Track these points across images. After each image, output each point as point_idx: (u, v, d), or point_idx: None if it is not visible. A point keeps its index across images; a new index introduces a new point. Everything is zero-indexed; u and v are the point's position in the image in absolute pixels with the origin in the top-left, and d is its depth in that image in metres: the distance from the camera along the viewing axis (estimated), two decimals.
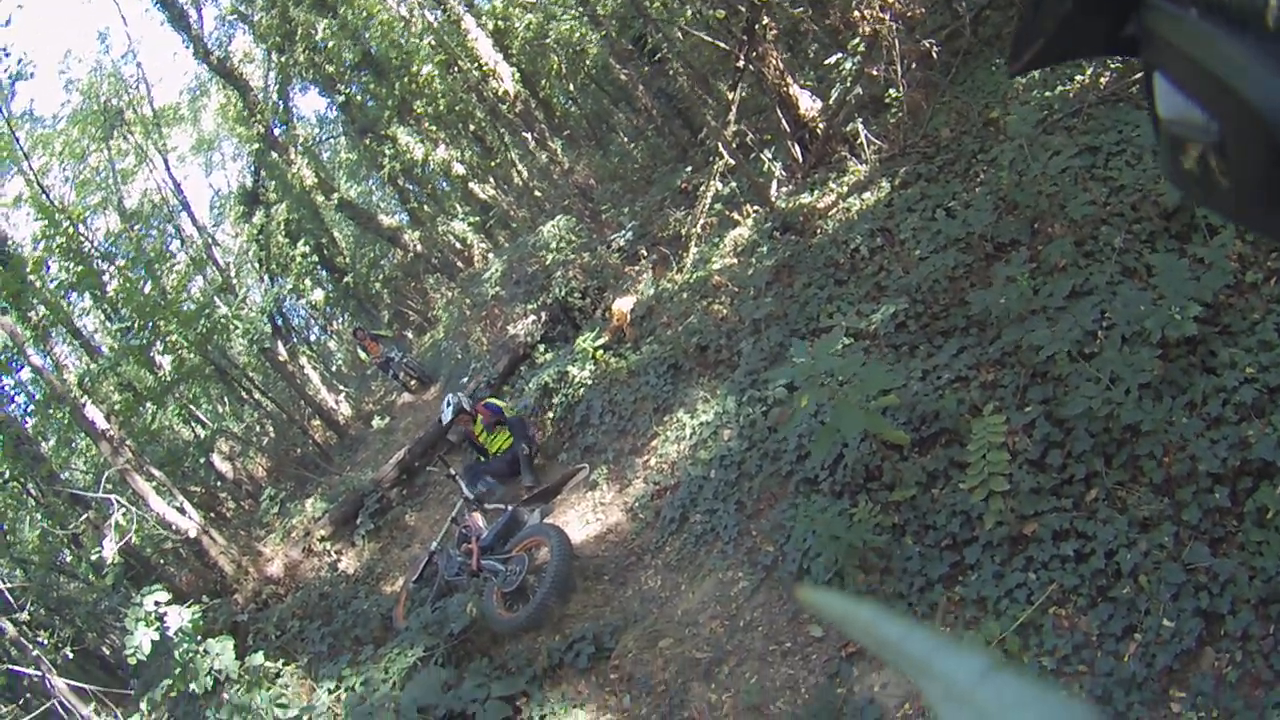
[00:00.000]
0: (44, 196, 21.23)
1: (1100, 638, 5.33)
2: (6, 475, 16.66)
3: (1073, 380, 6.13)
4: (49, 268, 17.71)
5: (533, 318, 15.03)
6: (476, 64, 17.55)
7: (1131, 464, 5.74)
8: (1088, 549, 5.59)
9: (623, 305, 12.31)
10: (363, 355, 24.08)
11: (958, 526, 6.30)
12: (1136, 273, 6.70)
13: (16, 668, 11.40)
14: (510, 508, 10.82)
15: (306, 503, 16.44)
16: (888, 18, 10.32)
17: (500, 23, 21.78)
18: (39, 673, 11.31)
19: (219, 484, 23.21)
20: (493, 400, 12.69)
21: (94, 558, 13.55)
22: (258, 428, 26.38)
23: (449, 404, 12.25)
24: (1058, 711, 0.50)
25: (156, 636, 8.68)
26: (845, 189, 10.58)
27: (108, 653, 18.48)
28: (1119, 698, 5.05)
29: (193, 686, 8.84)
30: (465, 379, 16.22)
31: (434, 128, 24.35)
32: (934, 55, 10.60)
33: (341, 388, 27.85)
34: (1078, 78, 9.09)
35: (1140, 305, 6.08)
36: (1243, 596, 4.91)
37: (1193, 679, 4.94)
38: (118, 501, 12.35)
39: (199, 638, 8.93)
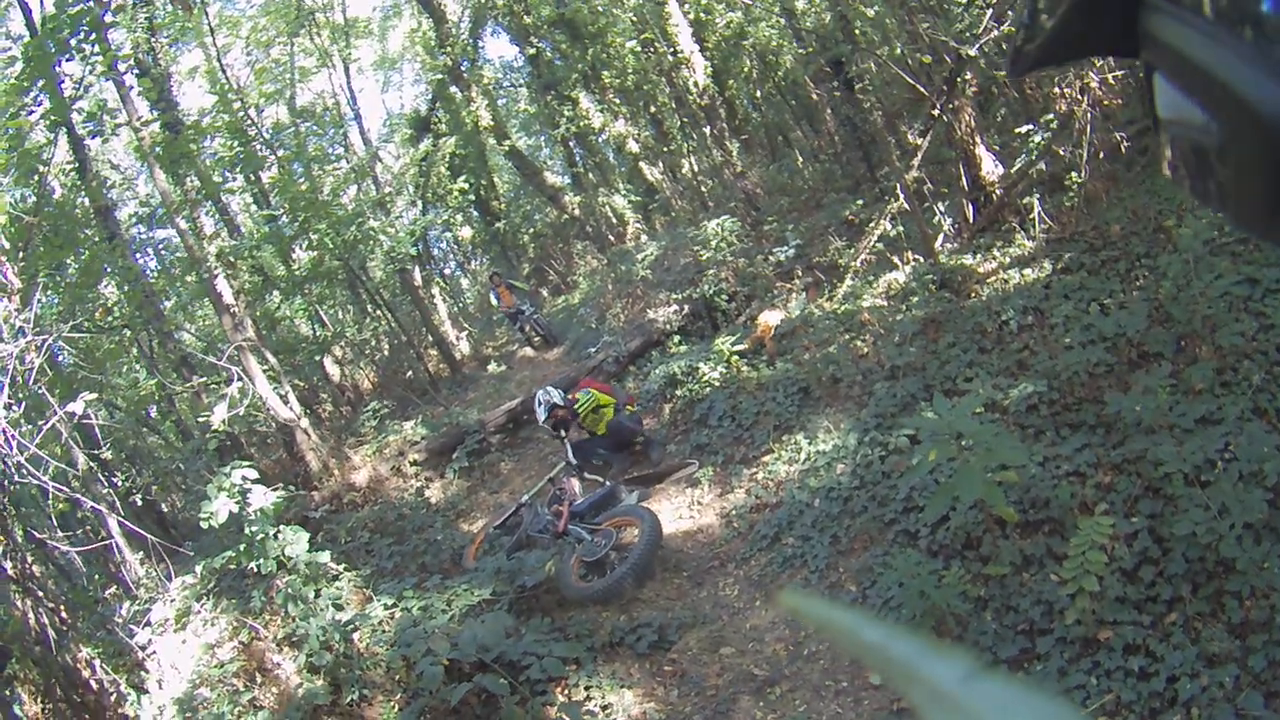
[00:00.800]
0: (221, 74, 21.92)
1: None
2: (123, 322, 17.14)
3: (1183, 503, 6.17)
4: (211, 140, 18.17)
5: (675, 307, 15.18)
6: (673, 50, 17.81)
7: (1216, 598, 5.81)
8: (1152, 669, 5.66)
9: (769, 318, 12.39)
10: (494, 301, 24.33)
11: (1038, 615, 6.41)
12: (1267, 414, 6.74)
13: (81, 498, 11.77)
14: (610, 483, 11.06)
15: (406, 424, 16.80)
16: (1085, 101, 10.32)
17: (703, 15, 21.92)
18: (101, 509, 11.77)
19: (323, 385, 23.78)
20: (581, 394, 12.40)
21: (201, 420, 13.94)
22: (373, 342, 26.81)
23: (541, 403, 12.16)
24: (1043, 714, 0.52)
25: (236, 509, 8.82)
26: (1008, 260, 10.60)
27: (165, 510, 19.00)
28: None
29: (254, 565, 9.05)
30: (593, 349, 16.40)
31: (617, 100, 24.46)
32: (1122, 149, 10.57)
33: (465, 326, 28.16)
34: None
35: (1264, 447, 6.15)
36: None
37: None
38: (239, 374, 12.81)
39: (275, 521, 9.19)
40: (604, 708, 7.60)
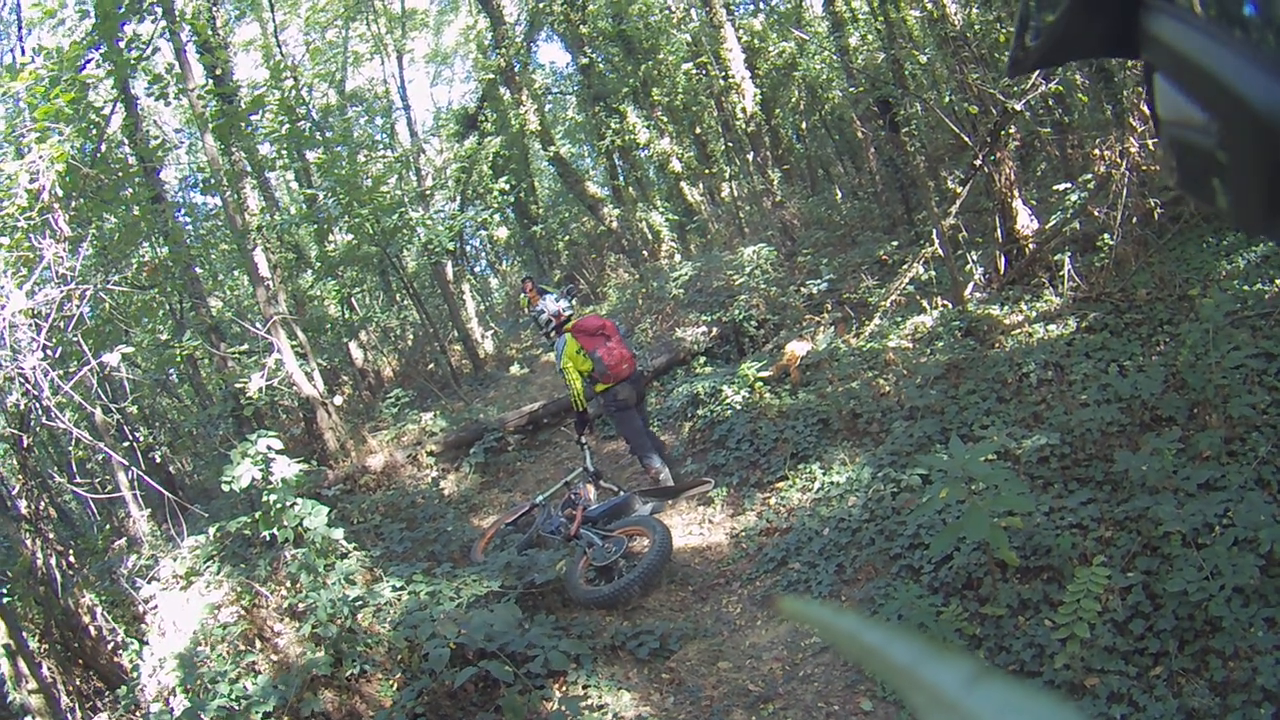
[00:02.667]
0: (276, 50, 22.20)
1: None
2: (160, 284, 17.26)
3: (1179, 562, 6.33)
4: (259, 114, 18.37)
5: (704, 329, 15.30)
6: (725, 74, 18.03)
7: (1201, 655, 5.97)
8: (1134, 718, 5.82)
9: (796, 348, 12.50)
10: (523, 304, 24.53)
11: (1029, 657, 6.58)
12: (1269, 486, 6.89)
13: (103, 446, 11.88)
14: (626, 492, 11.13)
15: (424, 415, 16.94)
16: (1124, 165, 10.45)
17: (757, 43, 22.11)
18: (121, 460, 11.80)
19: (344, 367, 24.04)
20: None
21: (239, 385, 14.06)
22: (399, 330, 26.98)
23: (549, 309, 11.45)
24: (1046, 718, 0.53)
25: (259, 476, 8.84)
26: (1034, 314, 10.75)
27: (173, 472, 19.13)
28: None
29: (266, 534, 9.13)
30: None
31: (664, 118, 24.61)
32: (1155, 215, 10.70)
33: (492, 325, 28.31)
34: (1279, 281, 9.13)
35: (1260, 515, 6.28)
36: None
37: None
38: (277, 345, 12.98)
39: (295, 492, 9.17)
40: (600, 707, 7.66)
